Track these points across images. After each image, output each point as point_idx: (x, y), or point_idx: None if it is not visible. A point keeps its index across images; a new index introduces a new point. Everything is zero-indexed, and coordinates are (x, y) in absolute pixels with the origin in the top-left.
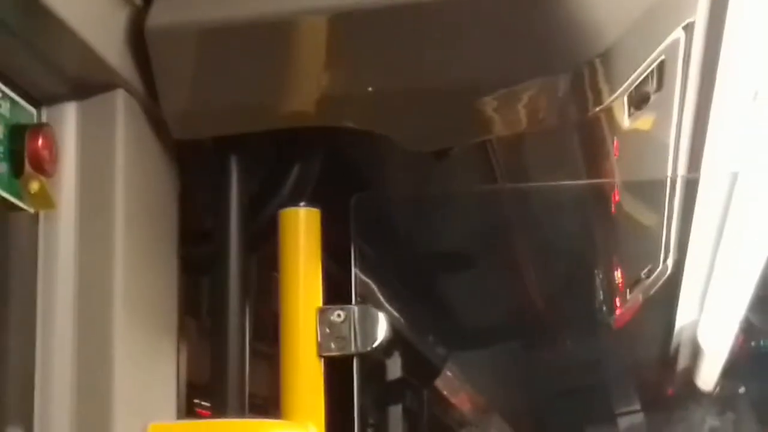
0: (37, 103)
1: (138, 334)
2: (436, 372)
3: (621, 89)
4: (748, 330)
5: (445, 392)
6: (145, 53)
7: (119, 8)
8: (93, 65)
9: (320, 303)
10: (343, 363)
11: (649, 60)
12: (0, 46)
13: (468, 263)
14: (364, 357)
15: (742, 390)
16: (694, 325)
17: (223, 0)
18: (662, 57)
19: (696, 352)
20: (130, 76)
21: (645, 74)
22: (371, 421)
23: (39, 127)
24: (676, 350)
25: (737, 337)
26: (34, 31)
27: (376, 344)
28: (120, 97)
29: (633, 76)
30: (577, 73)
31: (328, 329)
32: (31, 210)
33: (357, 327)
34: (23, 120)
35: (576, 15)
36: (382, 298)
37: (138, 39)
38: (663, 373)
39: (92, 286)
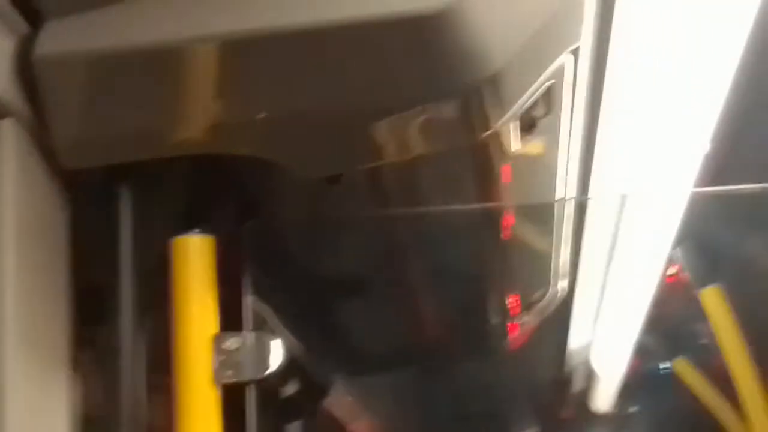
0: None
1: (30, 370)
2: (332, 398)
3: (510, 114)
4: (642, 352)
5: (342, 418)
6: (33, 82)
7: (5, 36)
8: None
9: (215, 330)
10: (240, 391)
11: (537, 84)
12: None
13: (362, 288)
14: (260, 384)
15: (635, 409)
16: (588, 347)
17: (112, 27)
18: (551, 81)
19: (591, 374)
20: (18, 105)
21: (534, 98)
22: None
23: None
24: (571, 372)
25: (632, 360)
26: None
27: (271, 370)
28: (8, 126)
29: (521, 101)
30: (466, 97)
31: (223, 357)
32: None
33: (252, 354)
34: None
35: (462, 40)
36: (277, 324)
37: (25, 67)
38: (559, 396)
39: None
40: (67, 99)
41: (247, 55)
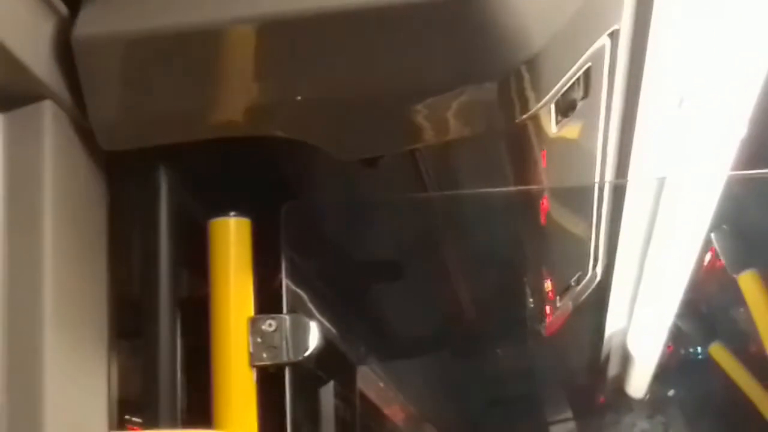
0: None
1: (68, 349)
2: (367, 381)
3: (548, 97)
4: (677, 336)
5: (376, 402)
6: (73, 64)
7: (45, 18)
8: (19, 76)
9: (251, 313)
10: (275, 373)
11: (575, 67)
12: None
13: (398, 271)
14: (295, 366)
15: (671, 393)
16: (624, 331)
17: (150, 9)
18: (588, 64)
19: (626, 359)
20: (57, 86)
21: (571, 81)
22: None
23: None
24: (607, 357)
25: (667, 344)
26: None
27: (307, 353)
28: (47, 108)
29: (559, 84)
30: (504, 80)
31: (259, 339)
32: None
33: (288, 336)
34: None
35: (502, 22)
36: (312, 307)
37: (65, 49)
38: (594, 380)
39: (20, 301)
40: (105, 80)
41: (286, 37)
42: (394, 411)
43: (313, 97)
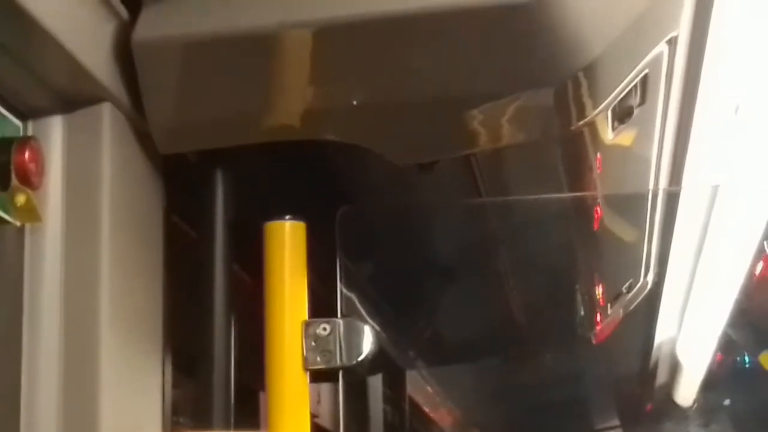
0: (23, 117)
1: (124, 346)
2: (416, 386)
3: (605, 103)
4: (727, 345)
5: (425, 407)
6: (132, 67)
7: (106, 21)
8: (80, 78)
9: (305, 316)
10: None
11: (633, 74)
12: None
13: (450, 277)
14: (347, 370)
15: (720, 402)
16: (674, 339)
17: (208, 13)
18: (646, 71)
19: (675, 367)
20: (117, 89)
21: (629, 88)
22: None
23: (26, 141)
24: (655, 365)
25: (716, 352)
26: (21, 44)
27: (361, 358)
28: (106, 110)
29: (617, 90)
30: (562, 86)
31: (313, 343)
32: (17, 223)
33: (342, 340)
34: (9, 133)
35: (562, 29)
36: (364, 311)
37: (124, 52)
38: (642, 388)
39: (78, 299)
40: (164, 84)
41: (345, 42)
42: (441, 415)
43: (370, 101)
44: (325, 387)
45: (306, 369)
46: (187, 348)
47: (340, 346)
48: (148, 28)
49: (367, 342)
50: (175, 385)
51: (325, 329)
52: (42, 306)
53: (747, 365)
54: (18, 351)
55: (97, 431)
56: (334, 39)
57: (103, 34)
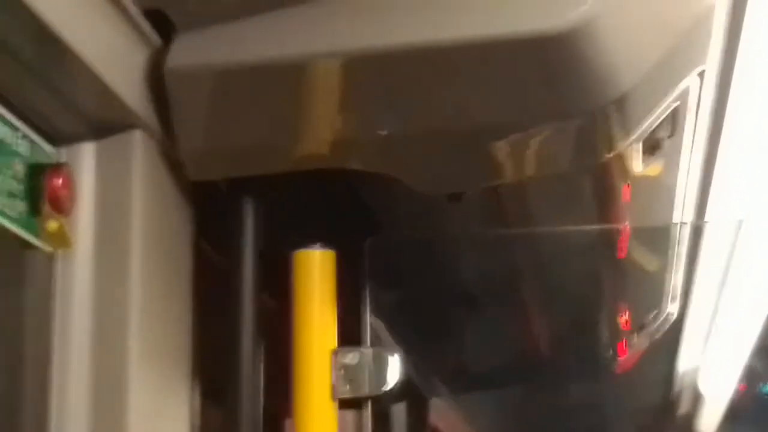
0: (55, 143)
1: (153, 374)
2: (439, 414)
3: (634, 135)
4: (750, 376)
5: None
6: (163, 94)
7: (138, 49)
8: (112, 105)
9: (335, 345)
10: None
11: (663, 106)
12: (20, 86)
13: (475, 305)
14: (376, 399)
15: None
16: (696, 370)
17: (241, 42)
18: (677, 103)
19: (697, 398)
20: (148, 116)
21: (660, 120)
22: None
23: (58, 167)
24: (678, 395)
25: (739, 383)
26: (54, 70)
27: (389, 387)
28: (137, 137)
29: (647, 122)
30: (592, 119)
31: (342, 371)
32: (49, 249)
33: (371, 369)
34: (42, 159)
35: (594, 61)
36: (390, 339)
37: (156, 79)
38: (664, 419)
39: (108, 325)
40: (195, 111)
41: (374, 73)
42: None
43: (399, 132)
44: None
45: (335, 398)
46: (215, 375)
47: (369, 375)
48: (181, 55)
49: (395, 371)
50: (203, 412)
51: (353, 358)
52: (71, 330)
53: None
54: (48, 377)
55: None
56: (364, 69)
57: (135, 60)
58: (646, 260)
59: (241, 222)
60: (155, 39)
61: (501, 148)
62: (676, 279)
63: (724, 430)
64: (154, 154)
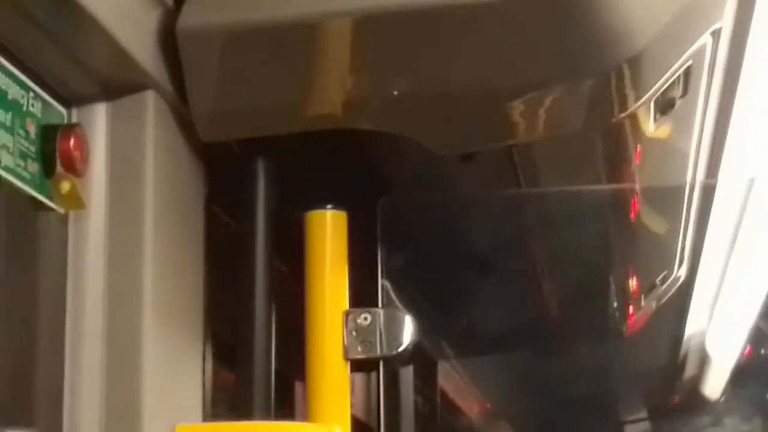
0: (67, 104)
1: (166, 334)
2: (447, 376)
3: (648, 95)
4: (757, 338)
5: (455, 397)
6: (175, 54)
7: (151, 8)
8: (124, 65)
9: (347, 306)
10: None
11: (677, 65)
12: (32, 46)
13: (486, 268)
14: (388, 361)
15: (748, 395)
16: (703, 332)
17: (253, 2)
18: (690, 62)
19: (704, 360)
20: (160, 77)
21: (672, 79)
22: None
23: (71, 128)
24: (685, 358)
25: (746, 346)
26: (66, 30)
27: (402, 348)
28: (150, 98)
29: (660, 82)
30: (605, 78)
31: (354, 332)
32: (62, 210)
33: (383, 330)
34: (54, 120)
35: (607, 19)
36: (404, 302)
37: (168, 40)
38: (670, 381)
39: (121, 286)
40: (207, 72)
41: (387, 32)
42: (471, 406)
43: (411, 92)
44: (357, 377)
45: (347, 359)
46: (228, 337)
47: (381, 336)
48: (193, 15)
49: (408, 332)
50: (216, 374)
51: (366, 319)
52: (85, 292)
53: None
54: (61, 338)
55: (139, 418)
56: (377, 28)
57: (148, 21)
58: (657, 222)
59: (253, 183)
60: None
61: (513, 108)
62: (685, 241)
63: (730, 393)
64: (166, 114)
